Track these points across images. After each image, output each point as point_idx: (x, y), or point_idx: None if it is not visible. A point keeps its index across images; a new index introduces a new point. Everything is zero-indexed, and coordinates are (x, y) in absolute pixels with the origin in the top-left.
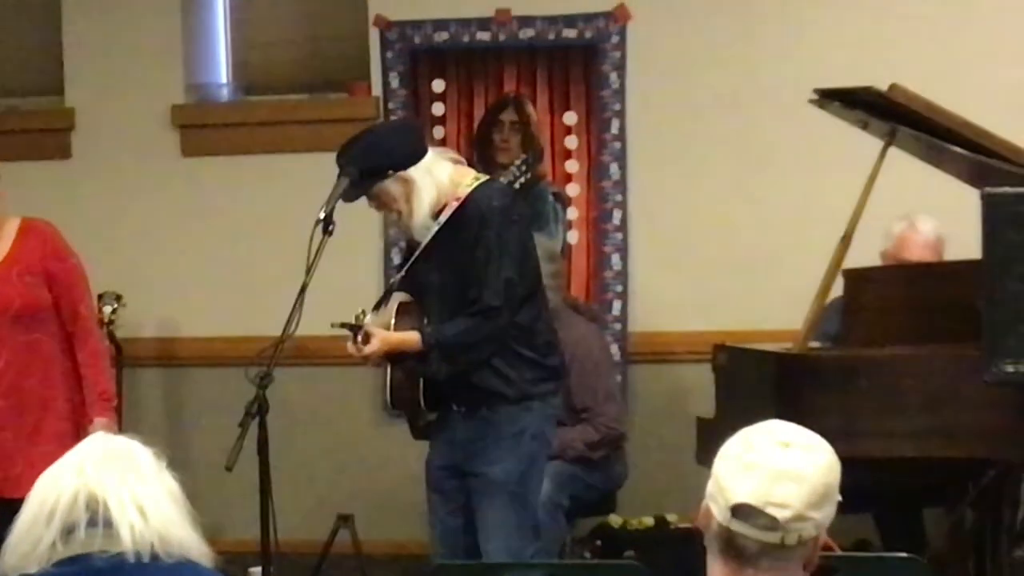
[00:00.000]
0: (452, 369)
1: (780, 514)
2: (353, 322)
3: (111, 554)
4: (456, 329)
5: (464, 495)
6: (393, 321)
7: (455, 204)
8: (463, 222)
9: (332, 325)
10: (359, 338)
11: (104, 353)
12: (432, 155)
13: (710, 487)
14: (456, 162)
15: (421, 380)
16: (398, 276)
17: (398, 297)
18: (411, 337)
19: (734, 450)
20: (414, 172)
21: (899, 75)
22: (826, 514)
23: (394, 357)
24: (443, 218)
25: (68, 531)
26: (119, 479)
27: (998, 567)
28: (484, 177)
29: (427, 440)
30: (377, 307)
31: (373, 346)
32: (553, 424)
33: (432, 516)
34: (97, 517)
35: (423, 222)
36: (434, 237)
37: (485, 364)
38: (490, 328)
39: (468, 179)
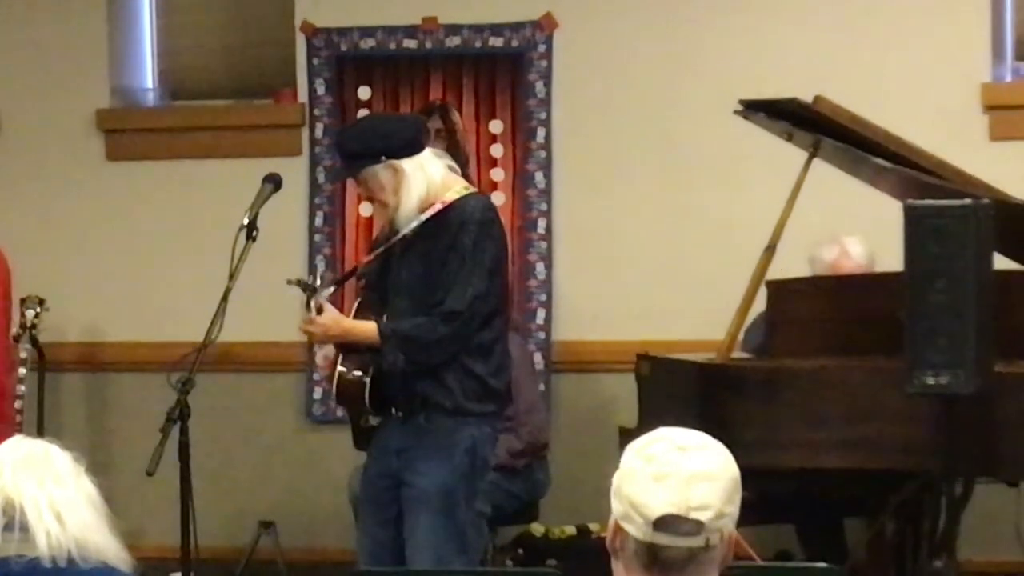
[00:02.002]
0: (407, 362)
1: (703, 516)
2: (308, 282)
3: (27, 559)
4: (412, 324)
5: (397, 507)
6: (352, 316)
7: (439, 206)
8: (444, 225)
9: (288, 282)
10: (312, 307)
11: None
12: (429, 153)
13: (619, 508)
14: (451, 169)
15: (369, 377)
16: (366, 259)
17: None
18: (367, 327)
19: (635, 466)
20: (407, 163)
21: (824, 87)
22: (737, 506)
23: (345, 346)
24: (425, 216)
25: None
26: (36, 484)
27: None
28: (473, 189)
29: (365, 451)
30: (339, 284)
31: (324, 320)
32: (490, 444)
33: (360, 529)
34: (13, 522)
35: (408, 214)
36: (411, 234)
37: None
38: (446, 332)
39: (458, 187)
